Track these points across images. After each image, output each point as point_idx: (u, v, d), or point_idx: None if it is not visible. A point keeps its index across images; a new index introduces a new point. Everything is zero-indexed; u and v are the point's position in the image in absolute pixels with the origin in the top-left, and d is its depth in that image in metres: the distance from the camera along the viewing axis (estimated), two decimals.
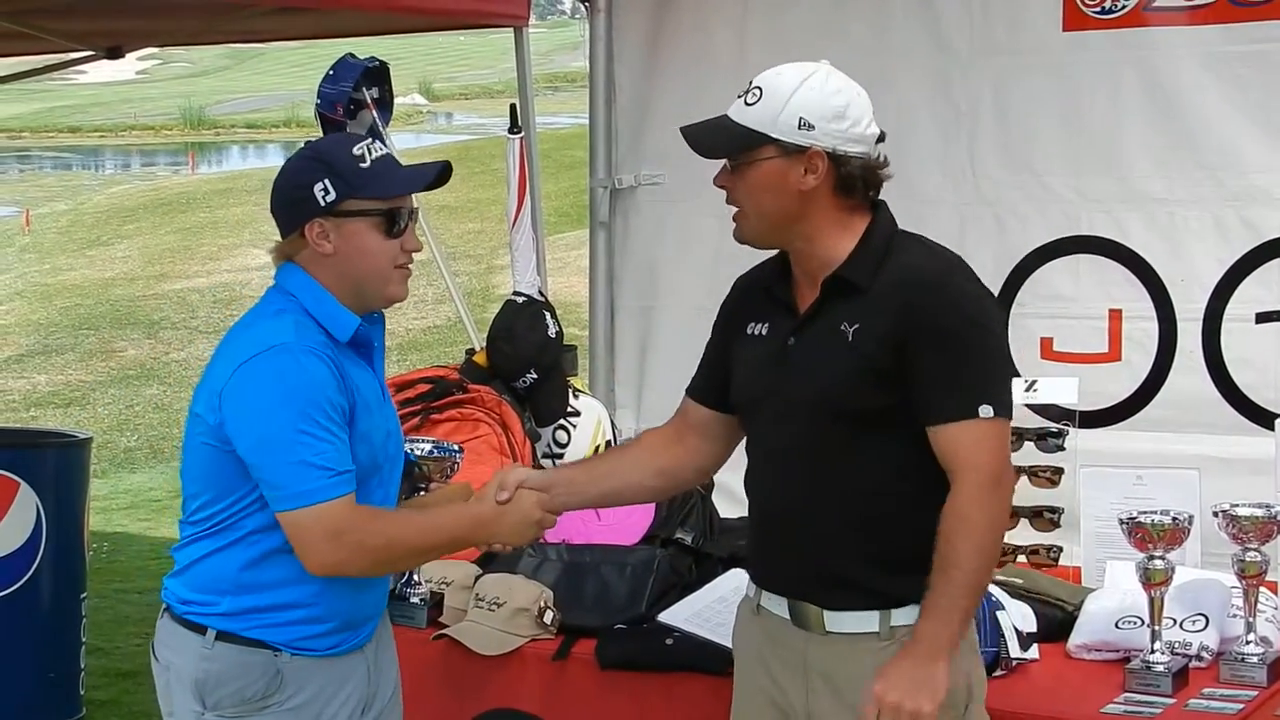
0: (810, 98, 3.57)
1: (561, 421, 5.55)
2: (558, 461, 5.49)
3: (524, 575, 4.76)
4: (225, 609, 3.73)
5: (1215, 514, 4.26)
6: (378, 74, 6.36)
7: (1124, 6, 5.41)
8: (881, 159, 3.68)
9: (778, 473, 3.74)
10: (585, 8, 6.60)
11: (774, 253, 3.80)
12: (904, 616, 3.58)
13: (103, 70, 34.18)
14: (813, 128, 3.56)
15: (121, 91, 54.42)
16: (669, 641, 4.48)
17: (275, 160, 39.21)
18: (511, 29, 7.65)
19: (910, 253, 3.65)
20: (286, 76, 49.57)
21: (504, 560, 4.88)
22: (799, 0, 6.01)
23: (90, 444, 7.83)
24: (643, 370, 6.51)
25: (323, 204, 3.73)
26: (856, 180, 3.62)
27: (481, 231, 21.64)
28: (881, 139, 3.66)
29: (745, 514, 5.41)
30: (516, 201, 6.23)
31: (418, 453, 4.17)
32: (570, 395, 5.61)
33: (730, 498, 5.47)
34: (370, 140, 3.85)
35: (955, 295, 3.58)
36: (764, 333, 3.77)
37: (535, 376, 5.42)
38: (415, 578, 4.37)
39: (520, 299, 5.68)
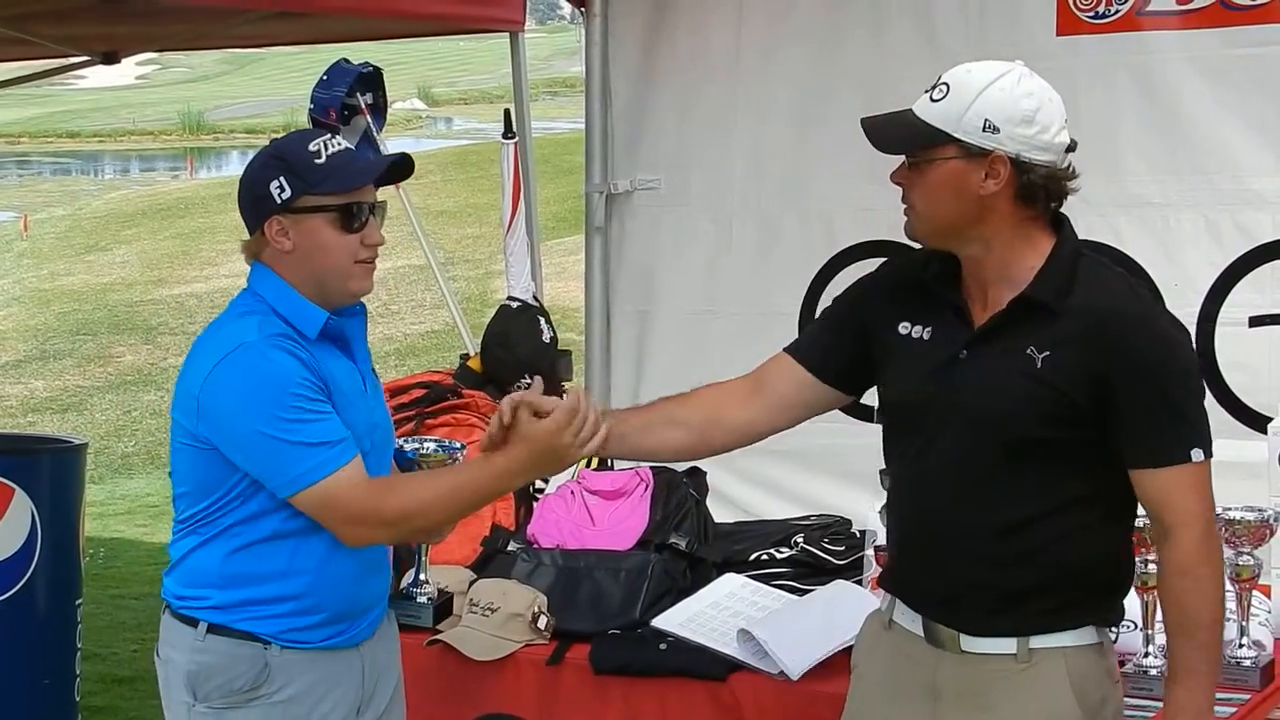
0: (998, 99, 3.43)
1: None
2: None
3: (518, 580, 4.77)
4: (216, 602, 3.77)
5: None
6: (372, 79, 6.38)
7: (1118, 11, 5.42)
8: (1070, 169, 3.54)
9: (930, 487, 3.60)
10: (581, 13, 6.60)
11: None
12: (1042, 640, 3.51)
13: (102, 75, 34.19)
14: (998, 131, 3.42)
15: (120, 97, 54.43)
16: (663, 647, 4.49)
17: None
18: (507, 34, 7.68)
19: (1100, 280, 3.52)
20: (286, 82, 49.51)
21: (498, 565, 4.90)
22: (795, 7, 6.00)
23: (85, 450, 7.80)
24: (639, 375, 6.50)
25: (279, 201, 3.74)
26: (1039, 190, 3.48)
27: (480, 236, 21.66)
28: (1072, 148, 3.53)
29: (739, 519, 5.46)
30: (511, 207, 6.24)
31: (420, 451, 4.14)
32: None
33: (724, 503, 5.50)
34: (329, 136, 3.83)
35: (1161, 333, 3.47)
36: (926, 336, 3.61)
37: (530, 381, 5.40)
38: (422, 576, 4.35)
39: (515, 304, 5.69)
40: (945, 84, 3.49)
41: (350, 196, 3.77)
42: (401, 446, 4.02)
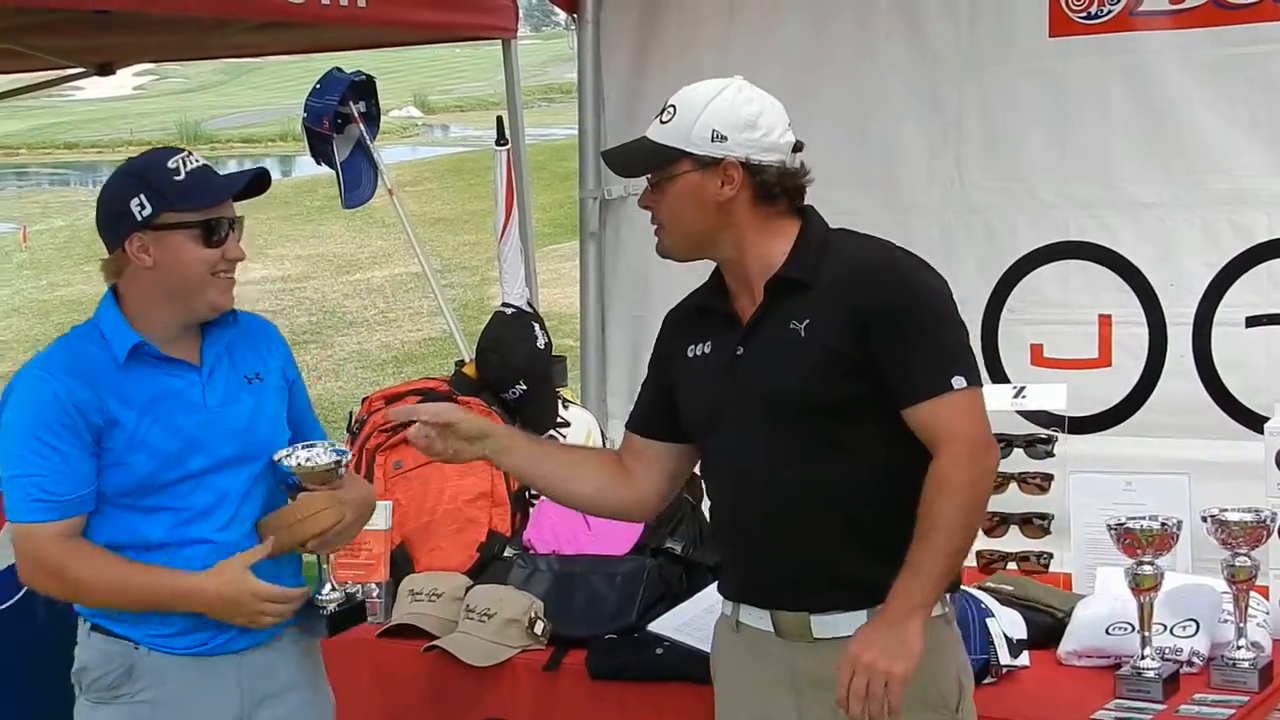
0: (722, 109, 3.58)
1: (552, 432, 5.53)
2: None
3: (514, 586, 4.76)
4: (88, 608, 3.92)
5: (1205, 519, 4.25)
6: (365, 88, 6.38)
7: (1110, 11, 5.42)
8: (800, 165, 3.66)
9: (744, 480, 3.69)
10: (573, 20, 6.61)
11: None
12: None
13: (99, 86, 34.20)
14: (725, 139, 3.56)
15: (118, 107, 54.44)
16: (659, 651, 4.48)
17: (271, 174, 39.30)
18: (500, 42, 7.68)
19: (848, 245, 3.66)
20: (282, 91, 49.56)
21: (494, 572, 4.90)
22: (784, 18, 6.01)
23: None
24: (635, 380, 6.49)
25: (140, 219, 3.79)
26: (774, 188, 3.62)
27: (477, 243, 21.65)
28: (799, 148, 3.65)
29: None
30: (504, 213, 6.23)
31: (291, 463, 3.95)
32: (560, 406, 5.60)
33: None
34: (187, 154, 3.89)
35: (903, 275, 3.59)
36: (707, 351, 3.74)
37: (525, 387, 5.41)
38: (327, 586, 4.10)
39: (509, 310, 5.68)
40: (672, 106, 3.64)
41: (210, 212, 3.83)
42: (284, 458, 3.93)
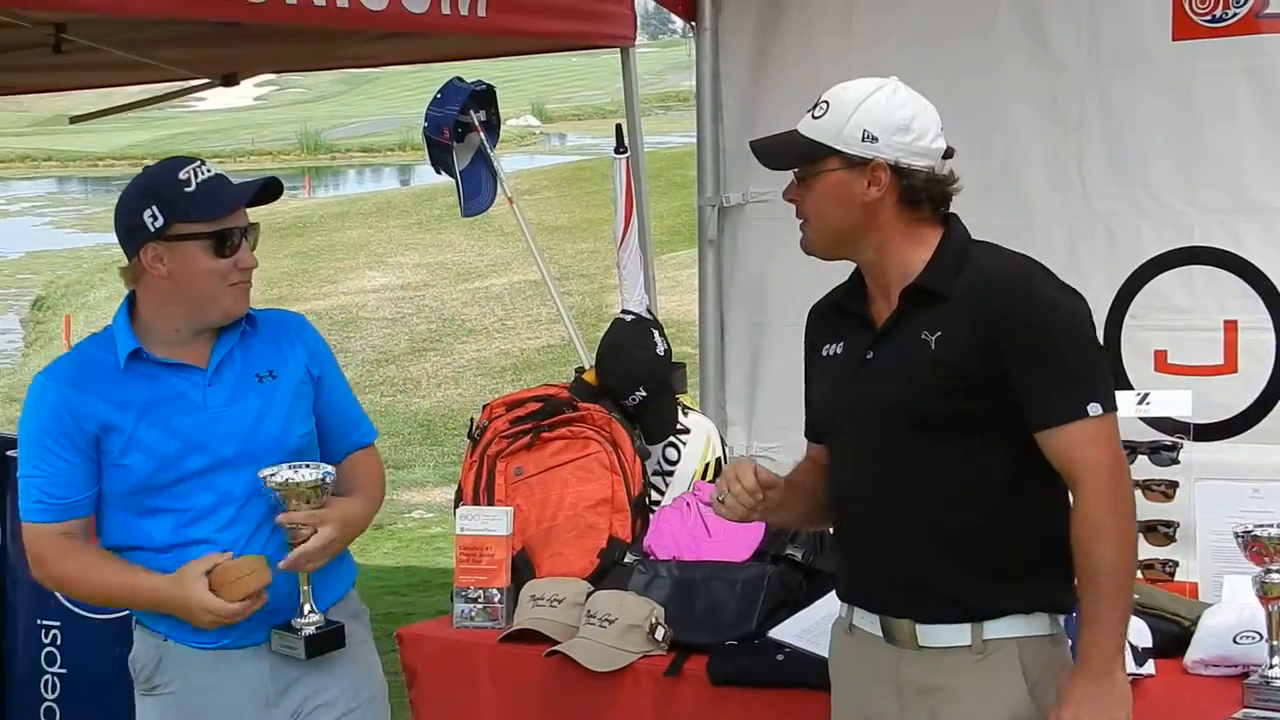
0: (875, 110, 3.59)
1: (671, 439, 5.55)
2: (668, 479, 5.49)
3: (635, 592, 4.78)
4: None
5: None
6: (485, 97, 6.41)
7: (1235, 14, 5.35)
8: (949, 173, 3.67)
9: (860, 485, 3.72)
10: (692, 28, 6.62)
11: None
12: (995, 630, 3.57)
13: (221, 97, 34.54)
14: (876, 140, 3.58)
15: (239, 118, 55.09)
16: (780, 657, 4.48)
17: (390, 183, 39.62)
18: (618, 50, 7.70)
19: (987, 258, 3.64)
20: (401, 100, 49.92)
21: (615, 577, 4.91)
22: (905, 23, 5.97)
23: None
24: (754, 387, 6.51)
25: (153, 230, 3.90)
26: (921, 193, 3.62)
27: (595, 251, 21.73)
28: (949, 155, 3.66)
29: None
30: (624, 221, 6.25)
31: (273, 483, 3.95)
32: (680, 412, 5.60)
33: None
34: (199, 163, 3.97)
35: (1039, 295, 3.56)
36: (839, 351, 3.77)
37: (644, 394, 5.42)
38: (307, 608, 4.06)
39: (628, 317, 5.68)
40: (825, 102, 3.66)
41: (221, 223, 3.94)
42: (267, 477, 3.94)
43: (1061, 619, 3.65)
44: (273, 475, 3.96)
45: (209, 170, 3.97)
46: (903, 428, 3.59)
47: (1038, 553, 3.57)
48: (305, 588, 4.06)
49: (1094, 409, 3.48)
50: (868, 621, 3.74)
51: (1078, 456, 3.48)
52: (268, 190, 4.00)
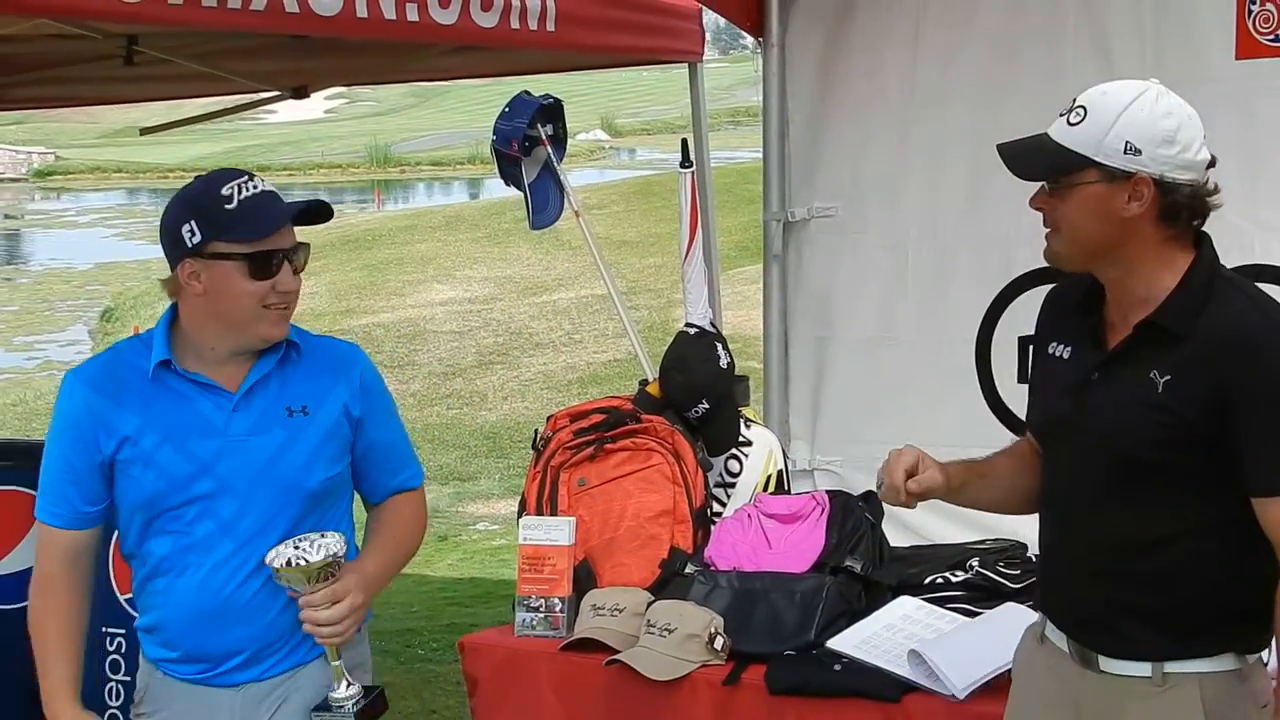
0: (1139, 119, 3.40)
1: (733, 451, 5.55)
2: (730, 491, 5.53)
3: (695, 602, 4.80)
4: (137, 619, 4.07)
5: None
6: (552, 111, 6.44)
7: None
8: (1213, 186, 3.50)
9: (1066, 506, 3.65)
10: (759, 43, 6.67)
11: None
12: (1178, 665, 3.51)
13: (291, 110, 34.72)
14: (1140, 152, 3.39)
15: (309, 130, 55.35)
16: (837, 668, 4.50)
17: (460, 197, 39.75)
18: (686, 65, 7.77)
19: (1234, 304, 3.45)
20: (471, 114, 50.09)
21: (675, 587, 4.95)
22: (970, 40, 6.01)
23: None
24: (817, 401, 6.54)
25: (190, 246, 3.79)
26: (1182, 209, 3.44)
27: (663, 266, 21.75)
28: (1213, 164, 3.49)
29: (914, 543, 5.47)
30: (689, 235, 6.26)
31: (277, 564, 3.83)
32: (742, 425, 5.62)
33: (900, 526, 5.50)
34: (247, 178, 3.83)
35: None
36: (1066, 356, 3.65)
37: (707, 406, 5.42)
38: (343, 684, 3.97)
39: (692, 330, 5.71)
40: (1082, 107, 3.46)
41: (261, 244, 3.80)
42: (270, 560, 3.82)
43: (1251, 658, 3.56)
44: (275, 559, 3.81)
45: (256, 187, 3.82)
46: (1110, 463, 3.51)
47: (1231, 605, 3.49)
48: (336, 663, 3.94)
49: None
50: (1058, 637, 3.71)
51: None
52: (317, 211, 3.89)
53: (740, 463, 5.58)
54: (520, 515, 5.27)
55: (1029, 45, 5.91)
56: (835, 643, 4.58)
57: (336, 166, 48.69)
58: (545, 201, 6.53)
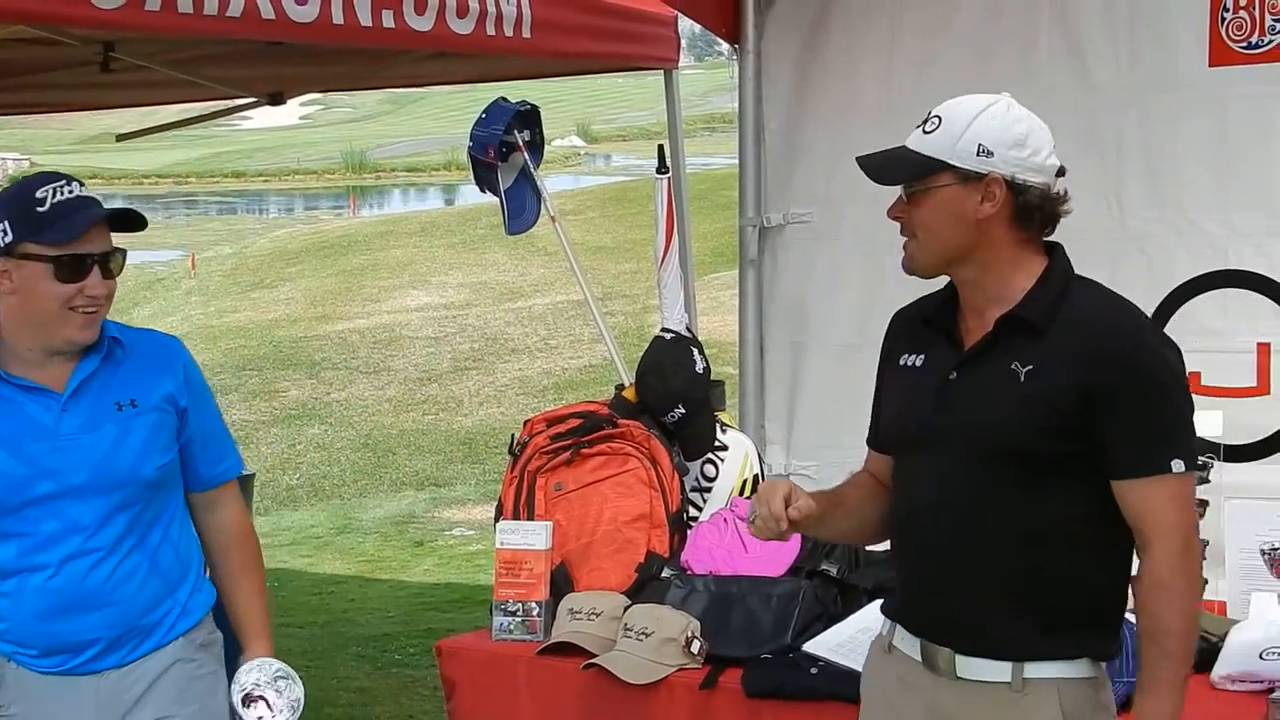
0: (991, 124, 3.52)
1: (709, 455, 5.58)
2: (706, 495, 5.55)
3: (671, 606, 4.82)
4: None
5: None
6: (529, 117, 6.45)
7: (1271, 41, 5.40)
8: (1063, 193, 3.60)
9: (927, 511, 3.65)
10: (735, 49, 6.68)
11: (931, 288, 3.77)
12: (1037, 670, 3.52)
13: (266, 116, 34.79)
14: (991, 154, 3.50)
15: (285, 137, 55.30)
16: (814, 671, 4.52)
17: (435, 203, 39.73)
18: (662, 72, 7.78)
19: (1092, 299, 3.57)
20: (446, 120, 50.08)
21: (652, 591, 4.97)
22: (946, 48, 6.02)
23: (252, 480, 8.00)
24: (792, 406, 6.55)
25: (2, 246, 3.81)
26: (1034, 211, 3.54)
27: (638, 272, 21.76)
28: (1062, 173, 3.59)
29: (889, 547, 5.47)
30: (665, 240, 6.28)
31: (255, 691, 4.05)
32: (718, 430, 5.65)
33: None
34: (65, 183, 3.84)
35: (1143, 344, 3.51)
36: (919, 364, 3.70)
37: (684, 411, 5.44)
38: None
39: (669, 335, 5.73)
40: (937, 116, 3.58)
41: (69, 247, 3.81)
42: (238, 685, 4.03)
43: (1104, 665, 3.61)
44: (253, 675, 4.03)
45: (72, 191, 3.84)
46: (976, 458, 3.54)
47: (1093, 602, 3.53)
48: None
49: (1177, 465, 3.44)
50: (908, 644, 3.70)
51: (1153, 512, 3.45)
52: (129, 219, 3.91)
53: (716, 467, 5.61)
54: (497, 520, 5.29)
55: (1004, 53, 5.92)
56: (812, 646, 4.60)
57: (312, 172, 48.69)
58: (521, 207, 6.54)
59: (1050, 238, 3.63)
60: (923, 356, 3.70)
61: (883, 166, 3.65)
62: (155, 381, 4.03)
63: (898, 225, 3.72)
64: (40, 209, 3.80)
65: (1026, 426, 3.47)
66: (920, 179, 3.57)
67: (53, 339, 3.90)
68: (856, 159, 3.68)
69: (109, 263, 3.91)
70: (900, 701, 3.72)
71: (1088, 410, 3.44)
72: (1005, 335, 3.55)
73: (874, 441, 3.91)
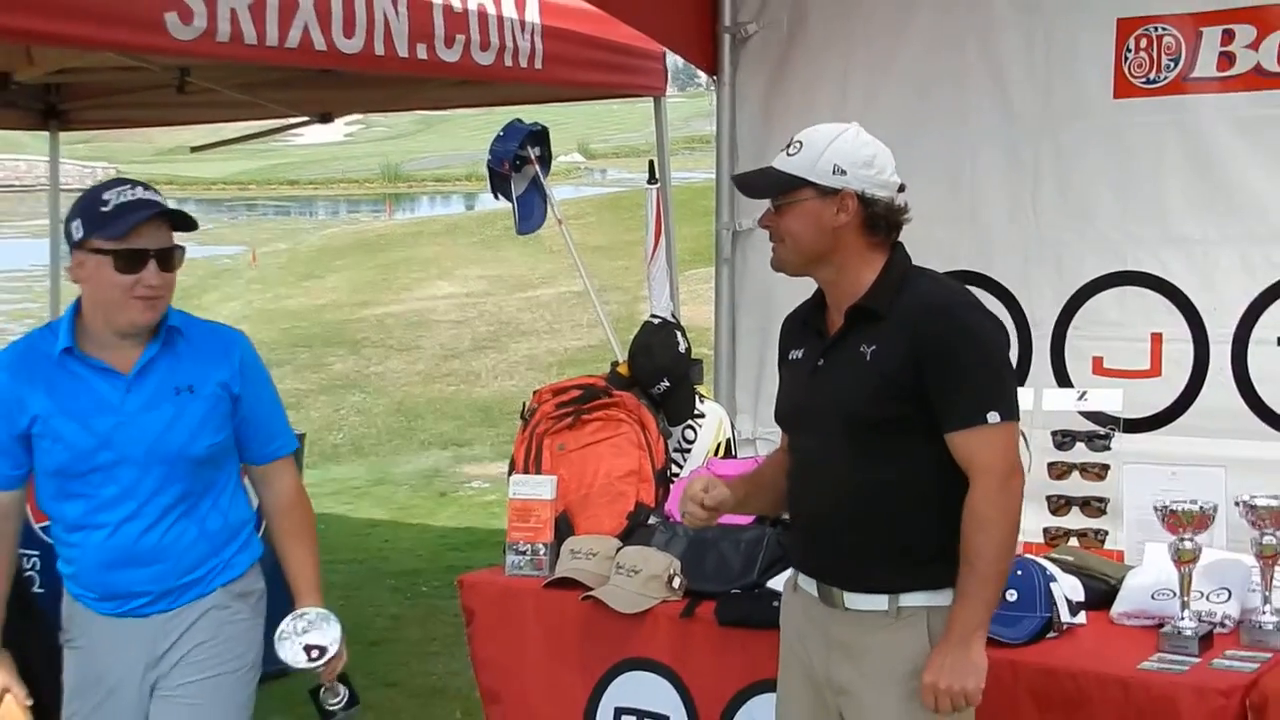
0: (844, 148, 3.58)
1: (689, 421, 5.57)
2: (686, 455, 5.54)
3: (656, 548, 4.82)
4: (60, 567, 4.03)
5: (1237, 504, 4.25)
6: (540, 135, 6.44)
7: (1166, 78, 5.37)
8: (904, 205, 3.66)
9: (807, 474, 3.73)
10: (713, 80, 6.66)
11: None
12: (909, 599, 3.58)
13: (315, 133, 34.76)
14: (845, 173, 3.56)
15: (332, 151, 55.13)
16: (776, 604, 4.44)
17: (458, 208, 39.64)
18: (652, 98, 7.77)
19: (921, 284, 3.62)
20: (468, 138, 49.89)
21: (640, 535, 4.96)
22: (890, 84, 5.98)
23: (304, 440, 7.98)
24: (759, 381, 6.53)
25: (75, 240, 3.80)
26: (881, 220, 3.61)
27: (629, 268, 21.72)
28: (902, 189, 3.65)
29: None
30: (654, 240, 6.28)
31: (296, 665, 4.02)
32: (697, 400, 5.64)
33: None
34: (129, 187, 3.81)
35: (958, 316, 3.56)
36: (799, 357, 3.77)
37: (668, 384, 5.44)
38: (336, 689, 4.12)
39: (656, 320, 5.72)
40: (799, 141, 3.64)
41: (126, 242, 3.77)
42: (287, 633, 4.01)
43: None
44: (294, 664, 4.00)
45: (135, 194, 3.79)
46: (841, 427, 3.59)
47: (950, 539, 3.53)
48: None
49: (993, 417, 3.47)
50: (809, 584, 3.76)
51: (974, 457, 3.48)
52: (175, 217, 3.86)
53: (695, 431, 5.59)
54: (510, 474, 5.27)
55: (939, 88, 5.89)
56: (775, 583, 4.57)
57: (354, 181, 48.52)
58: (531, 211, 6.54)
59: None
60: (802, 350, 3.78)
61: (753, 183, 3.75)
62: (212, 370, 3.96)
63: None
64: (104, 209, 3.77)
65: (873, 397, 3.54)
66: (785, 193, 3.63)
67: (118, 322, 3.85)
68: (732, 177, 3.77)
69: (169, 258, 3.85)
70: (806, 630, 3.78)
71: (916, 376, 3.49)
72: (854, 323, 3.62)
73: (780, 424, 3.95)
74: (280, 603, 4.19)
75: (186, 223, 3.91)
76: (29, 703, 3.82)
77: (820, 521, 3.70)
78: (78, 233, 3.79)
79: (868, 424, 3.55)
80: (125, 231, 3.76)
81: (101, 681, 3.99)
